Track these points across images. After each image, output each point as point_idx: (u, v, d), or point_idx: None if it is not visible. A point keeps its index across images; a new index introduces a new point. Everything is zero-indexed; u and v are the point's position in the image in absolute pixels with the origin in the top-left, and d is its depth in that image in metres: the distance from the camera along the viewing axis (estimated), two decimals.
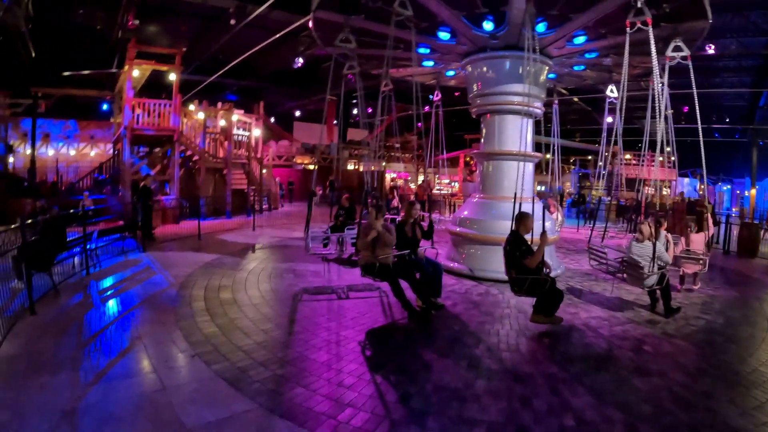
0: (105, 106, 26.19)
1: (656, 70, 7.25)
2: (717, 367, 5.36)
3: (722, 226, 14.98)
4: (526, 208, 6.67)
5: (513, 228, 6.31)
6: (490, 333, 6.23)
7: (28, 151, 22.77)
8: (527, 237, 6.26)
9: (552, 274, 6.75)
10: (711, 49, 18.41)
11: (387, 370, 4.98)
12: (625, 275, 7.39)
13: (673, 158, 8.61)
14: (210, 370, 4.75)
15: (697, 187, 34.02)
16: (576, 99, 30.66)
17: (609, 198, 21.39)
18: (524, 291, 6.11)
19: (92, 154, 25.93)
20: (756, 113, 31.15)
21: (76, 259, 9.19)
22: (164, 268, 9.51)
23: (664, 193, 24.30)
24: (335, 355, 5.32)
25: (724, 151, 36.06)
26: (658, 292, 7.33)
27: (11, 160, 22.22)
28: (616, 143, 8.33)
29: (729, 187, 38.73)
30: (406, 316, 6.80)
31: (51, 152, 24.85)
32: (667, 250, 7.61)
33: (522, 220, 6.27)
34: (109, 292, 7.83)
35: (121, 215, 15.94)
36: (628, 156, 31.50)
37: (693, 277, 8.87)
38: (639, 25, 6.76)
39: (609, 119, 13.11)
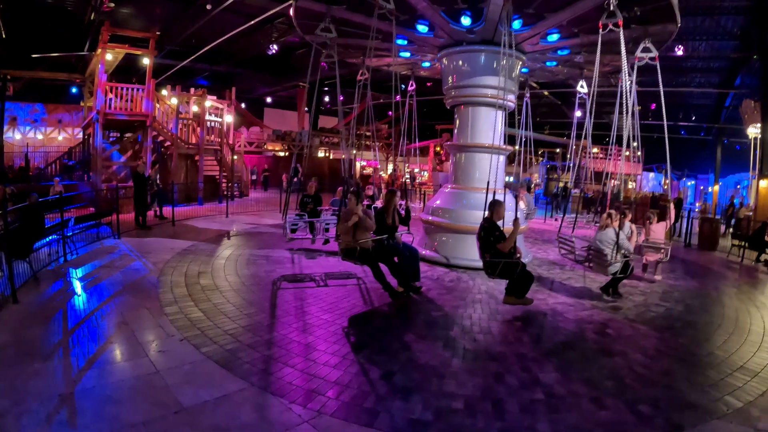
0: (74, 90, 25.58)
1: (625, 68, 7.62)
2: (675, 349, 5.77)
3: (684, 221, 15.64)
4: (498, 198, 6.98)
5: (486, 215, 6.63)
6: (463, 316, 6.56)
7: None
8: (499, 224, 6.59)
9: None
10: (680, 50, 19.04)
11: (369, 351, 5.23)
12: (590, 264, 7.81)
13: (638, 153, 9.04)
14: (200, 353, 4.90)
15: (662, 182, 35.13)
16: (546, 93, 31.25)
17: (577, 190, 21.96)
18: (497, 274, 6.41)
19: (60, 138, 25.36)
20: (721, 113, 32.19)
21: (53, 246, 9.11)
22: (141, 255, 9.51)
23: (630, 186, 25.07)
24: (319, 337, 5.54)
25: (690, 148, 37.14)
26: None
27: None
28: (585, 137, 8.70)
29: (693, 182, 40.09)
30: (384, 301, 7.07)
31: (18, 136, 24.21)
32: (629, 238, 8.04)
33: (495, 207, 6.61)
34: (89, 279, 7.80)
35: (93, 201, 15.73)
36: (595, 150, 32.30)
37: (655, 266, 9.36)
38: (611, 26, 7.09)
39: (578, 113, 13.56)
